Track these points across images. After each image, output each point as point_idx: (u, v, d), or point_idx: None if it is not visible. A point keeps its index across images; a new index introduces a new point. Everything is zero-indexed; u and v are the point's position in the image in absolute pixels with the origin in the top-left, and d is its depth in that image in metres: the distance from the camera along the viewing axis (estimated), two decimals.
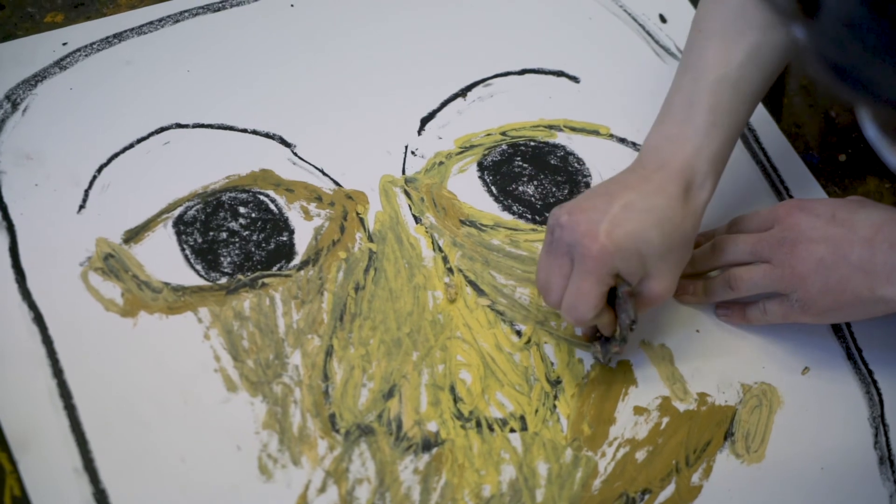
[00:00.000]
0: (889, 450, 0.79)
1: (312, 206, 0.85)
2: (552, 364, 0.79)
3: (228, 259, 0.81)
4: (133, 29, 0.92)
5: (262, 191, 0.85)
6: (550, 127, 0.92)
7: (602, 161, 0.90)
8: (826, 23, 0.43)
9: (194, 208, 0.83)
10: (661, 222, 0.72)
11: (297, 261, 0.82)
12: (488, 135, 0.91)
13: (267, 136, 0.88)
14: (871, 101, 0.47)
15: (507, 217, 0.86)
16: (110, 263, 0.80)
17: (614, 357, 0.79)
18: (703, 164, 0.75)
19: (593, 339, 0.79)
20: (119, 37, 0.92)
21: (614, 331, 0.76)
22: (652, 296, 0.74)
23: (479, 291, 0.82)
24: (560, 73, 0.96)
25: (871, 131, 0.67)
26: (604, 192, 0.74)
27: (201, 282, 0.80)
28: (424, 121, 0.91)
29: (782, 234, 0.77)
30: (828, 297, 0.74)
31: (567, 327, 0.81)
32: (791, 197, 0.90)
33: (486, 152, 0.90)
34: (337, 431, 0.75)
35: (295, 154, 0.87)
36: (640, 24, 0.99)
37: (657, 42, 0.98)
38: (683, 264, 0.76)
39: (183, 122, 0.88)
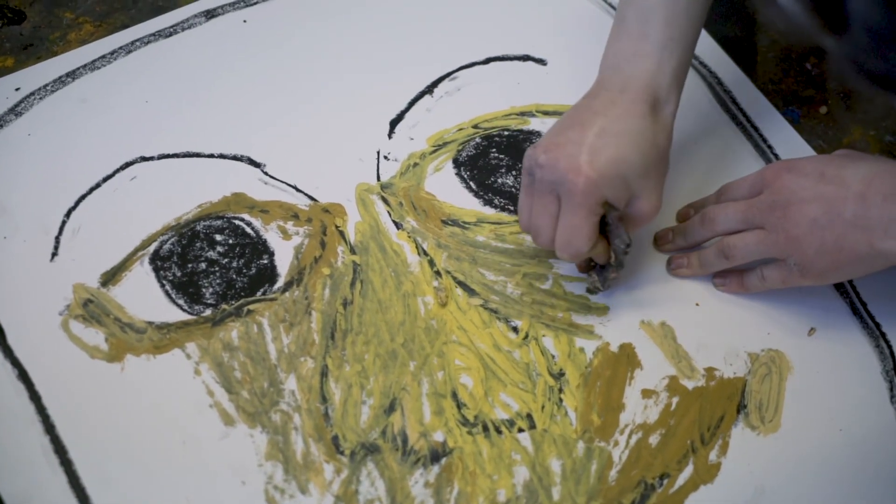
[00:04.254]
0: None
1: (290, 225, 0.83)
2: (553, 357, 0.78)
3: (210, 290, 0.79)
4: (85, 65, 0.90)
5: (236, 215, 0.83)
6: (522, 114, 0.90)
7: None
8: (857, 35, 0.42)
9: (169, 242, 0.81)
10: (637, 142, 0.73)
11: (280, 283, 0.80)
12: (460, 129, 0.89)
13: (235, 158, 0.86)
14: None
15: (489, 211, 0.85)
16: (90, 309, 0.78)
17: (612, 283, 0.79)
18: (665, 78, 0.76)
19: (588, 270, 0.80)
20: (72, 75, 0.90)
21: (609, 258, 0.76)
22: (642, 215, 0.75)
23: (470, 291, 0.80)
24: (526, 58, 0.94)
25: None
26: (575, 123, 0.74)
27: (185, 316, 0.78)
28: (394, 123, 0.89)
29: (772, 198, 0.75)
30: (826, 257, 0.72)
31: (564, 316, 0.79)
32: (777, 156, 0.89)
33: (460, 148, 0.88)
34: (342, 453, 0.73)
35: (265, 173, 0.85)
36: None
37: None
38: (664, 178, 0.76)
39: (147, 155, 0.85)
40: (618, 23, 0.78)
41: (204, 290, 0.79)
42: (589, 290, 0.80)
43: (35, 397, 0.74)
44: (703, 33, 0.95)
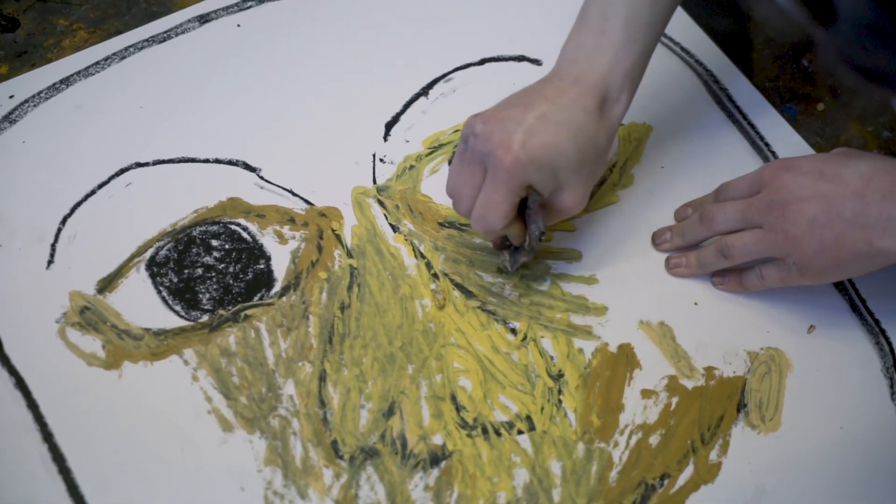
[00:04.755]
0: None
1: (286, 230, 0.82)
2: (552, 358, 0.77)
3: (207, 295, 0.79)
4: (79, 72, 0.90)
5: (232, 220, 0.82)
6: None
7: None
8: (845, 29, 0.42)
9: (165, 248, 0.81)
10: (575, 135, 0.72)
11: (277, 288, 0.79)
12: (456, 131, 0.89)
13: (230, 163, 0.86)
14: None
15: None
16: (87, 316, 0.77)
17: (519, 265, 0.79)
18: (618, 78, 0.75)
19: (502, 248, 0.80)
20: (66, 82, 0.89)
21: (524, 241, 0.76)
22: (563, 208, 0.75)
23: (468, 293, 0.80)
24: (521, 58, 0.94)
25: None
26: (520, 103, 0.74)
27: (182, 322, 0.78)
28: (389, 126, 0.89)
29: (771, 197, 0.75)
30: (825, 256, 0.72)
31: (562, 317, 0.79)
32: (774, 154, 0.88)
33: (455, 150, 0.87)
34: (341, 458, 0.72)
35: (261, 178, 0.85)
36: None
37: None
38: (595, 178, 0.76)
39: (142, 161, 0.85)
40: (581, 16, 0.78)
41: (201, 295, 0.79)
42: (498, 269, 0.81)
43: (33, 405, 0.73)
44: (698, 30, 0.95)
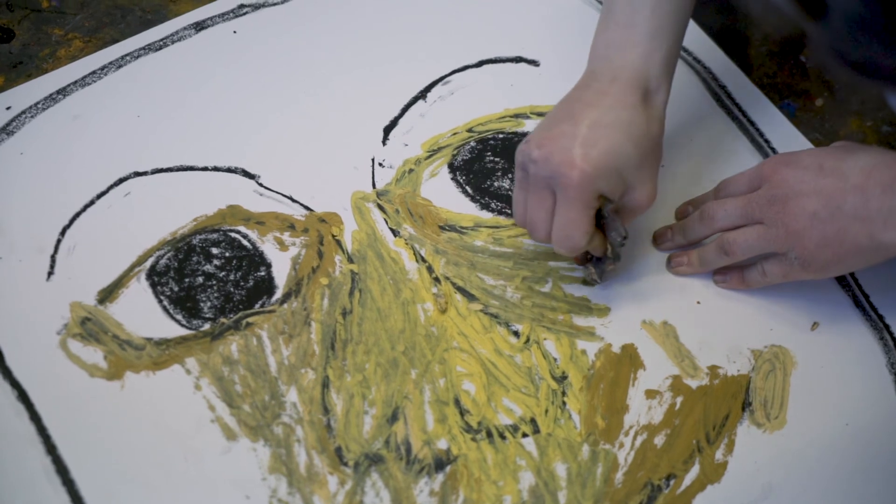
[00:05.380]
0: None
1: (286, 236, 0.82)
2: (555, 360, 0.77)
3: (208, 304, 0.79)
4: (76, 82, 0.90)
5: (232, 228, 0.82)
6: (517, 116, 0.89)
7: None
8: (836, 22, 0.42)
9: (165, 257, 0.81)
10: (629, 133, 0.72)
11: (278, 294, 0.79)
12: (454, 134, 0.88)
13: (229, 170, 0.85)
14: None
15: (486, 216, 0.84)
16: (88, 327, 0.77)
17: (609, 275, 0.79)
18: (655, 67, 0.75)
19: (584, 262, 0.79)
20: (63, 92, 0.89)
21: (605, 250, 0.76)
22: (637, 205, 0.75)
23: (470, 297, 0.80)
24: (519, 59, 0.93)
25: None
26: (567, 116, 0.73)
27: (184, 331, 0.77)
28: (387, 129, 0.88)
29: (771, 193, 0.74)
30: (826, 250, 0.72)
31: (565, 318, 0.79)
32: (774, 151, 0.88)
33: (455, 152, 0.87)
34: (345, 465, 0.72)
35: (260, 184, 0.85)
36: None
37: None
38: (658, 167, 0.76)
39: (141, 170, 0.85)
40: (605, 13, 0.78)
41: (202, 304, 0.79)
42: (586, 282, 0.80)
43: (35, 418, 0.73)
44: (696, 28, 0.95)
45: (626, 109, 0.73)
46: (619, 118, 0.72)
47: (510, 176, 0.86)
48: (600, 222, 0.75)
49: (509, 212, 0.84)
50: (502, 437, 0.74)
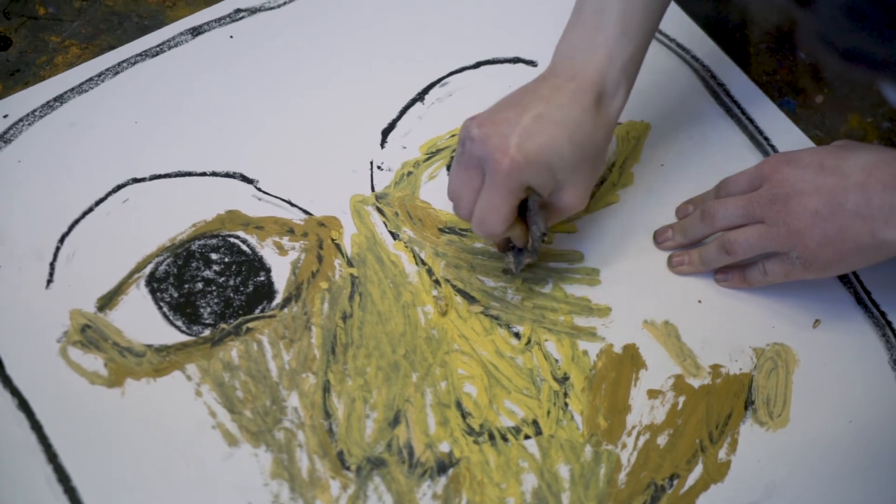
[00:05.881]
0: None
1: (285, 240, 0.82)
2: (556, 361, 0.77)
3: (208, 309, 0.78)
4: (73, 89, 0.90)
5: (231, 233, 0.82)
6: None
7: None
8: (824, 10, 0.41)
9: (165, 263, 0.80)
10: (572, 134, 0.72)
11: (278, 299, 0.79)
12: (453, 136, 0.88)
13: (227, 175, 0.85)
14: (888, 78, 0.46)
15: None
16: (88, 335, 0.77)
17: (526, 267, 0.79)
18: (614, 73, 0.74)
19: (506, 250, 0.79)
20: (60, 99, 0.89)
21: (527, 242, 0.76)
22: (564, 207, 0.74)
23: (470, 299, 0.80)
24: (516, 60, 0.93)
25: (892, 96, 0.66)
26: (516, 104, 0.73)
27: (184, 337, 0.77)
28: (385, 132, 0.88)
29: (772, 192, 0.74)
30: (828, 249, 0.71)
31: (566, 319, 0.79)
32: (774, 149, 0.88)
33: (453, 154, 0.87)
34: (347, 469, 0.72)
35: (259, 189, 0.84)
36: None
37: None
38: (596, 175, 0.75)
39: (139, 177, 0.85)
40: (575, 12, 0.77)
41: (202, 310, 0.78)
42: (503, 271, 0.80)
43: (36, 426, 0.73)
44: (694, 26, 0.95)
45: (577, 109, 0.72)
46: (566, 117, 0.72)
47: None
48: (526, 214, 0.75)
49: None
50: (504, 439, 0.74)
